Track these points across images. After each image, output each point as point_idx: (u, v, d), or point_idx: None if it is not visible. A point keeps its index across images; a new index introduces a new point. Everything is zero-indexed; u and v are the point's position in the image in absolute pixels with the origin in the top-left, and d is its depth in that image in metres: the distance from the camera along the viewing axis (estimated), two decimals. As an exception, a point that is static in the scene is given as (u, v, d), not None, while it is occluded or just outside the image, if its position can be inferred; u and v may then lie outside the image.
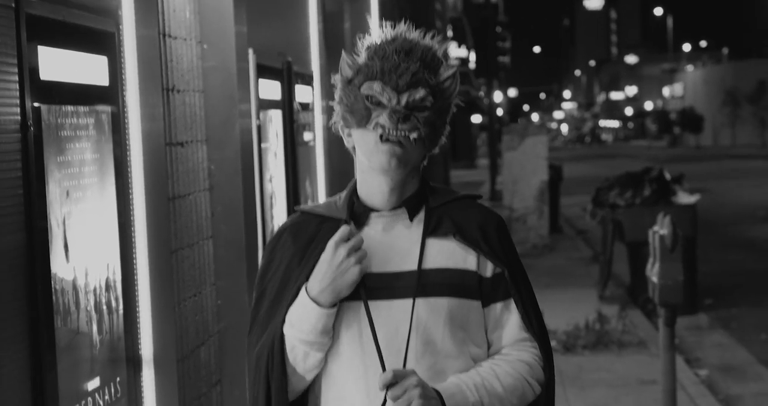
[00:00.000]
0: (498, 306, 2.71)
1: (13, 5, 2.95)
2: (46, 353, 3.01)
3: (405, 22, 2.70)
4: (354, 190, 2.73)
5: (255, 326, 2.74)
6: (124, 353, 3.66)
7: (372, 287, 2.61)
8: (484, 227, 2.71)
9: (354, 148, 2.70)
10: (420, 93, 2.60)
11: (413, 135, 2.60)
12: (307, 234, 2.70)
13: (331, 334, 2.62)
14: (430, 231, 2.67)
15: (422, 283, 2.62)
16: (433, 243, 2.67)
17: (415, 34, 2.68)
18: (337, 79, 2.71)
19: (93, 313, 3.38)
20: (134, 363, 3.76)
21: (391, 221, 2.69)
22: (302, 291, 2.62)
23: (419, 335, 2.61)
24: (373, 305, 2.60)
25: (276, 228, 6.12)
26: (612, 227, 12.33)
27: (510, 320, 2.71)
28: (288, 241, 2.73)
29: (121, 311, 3.63)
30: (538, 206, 17.32)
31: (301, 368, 2.63)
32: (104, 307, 3.48)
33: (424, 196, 2.73)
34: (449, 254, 2.67)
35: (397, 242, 2.66)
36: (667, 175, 12.31)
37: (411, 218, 2.69)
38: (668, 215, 6.08)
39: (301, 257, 2.67)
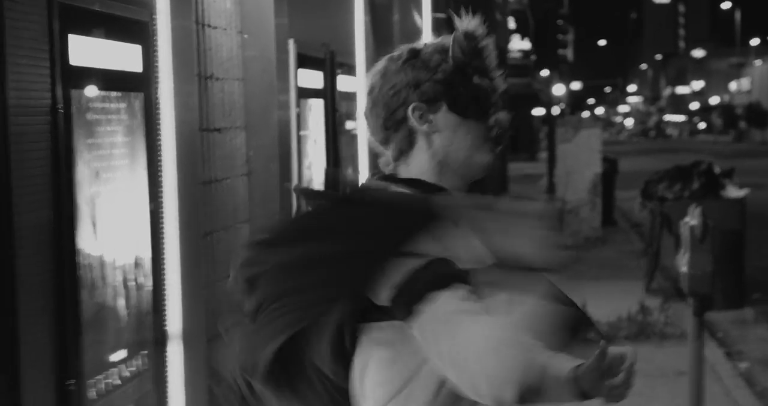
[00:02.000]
0: None
1: (46, -5, 3.11)
2: (71, 324, 3.17)
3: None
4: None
5: None
6: (151, 328, 3.82)
7: None
8: None
9: (430, 134, 2.36)
10: None
11: None
12: None
13: None
14: None
15: None
16: None
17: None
18: (441, 60, 2.37)
19: (120, 288, 3.54)
20: (161, 338, 3.92)
21: None
22: None
23: None
24: None
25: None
26: (660, 220, 12.35)
27: None
28: None
29: (149, 288, 3.79)
30: (591, 199, 17.32)
31: None
32: (132, 283, 3.64)
33: None
34: None
35: None
36: (716, 169, 12.29)
37: None
38: (699, 207, 6.15)
39: None
